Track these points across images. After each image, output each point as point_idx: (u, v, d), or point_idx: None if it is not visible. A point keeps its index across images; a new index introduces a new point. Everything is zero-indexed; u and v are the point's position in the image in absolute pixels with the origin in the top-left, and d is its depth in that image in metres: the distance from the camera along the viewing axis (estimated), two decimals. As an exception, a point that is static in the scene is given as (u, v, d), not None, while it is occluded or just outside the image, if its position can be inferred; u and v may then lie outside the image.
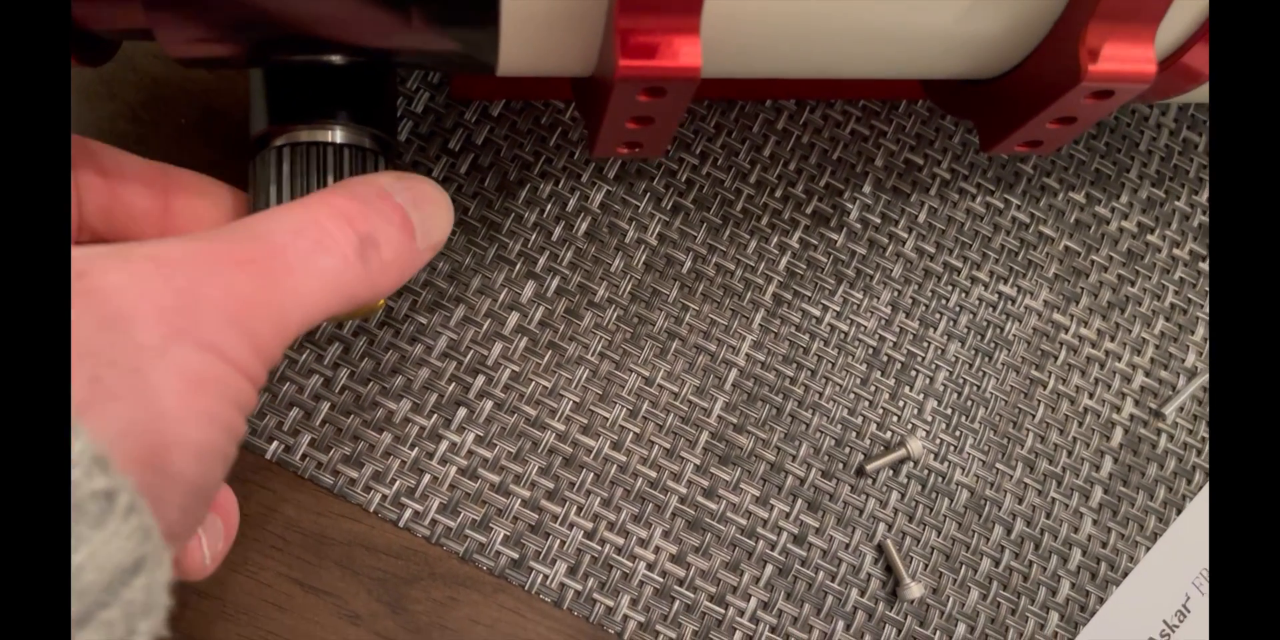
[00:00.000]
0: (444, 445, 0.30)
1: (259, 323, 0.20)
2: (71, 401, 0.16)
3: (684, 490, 0.31)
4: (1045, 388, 0.34)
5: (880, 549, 0.31)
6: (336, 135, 0.25)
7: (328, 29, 0.22)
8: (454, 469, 0.30)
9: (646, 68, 0.21)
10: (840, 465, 0.32)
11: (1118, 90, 0.24)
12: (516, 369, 0.31)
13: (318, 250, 0.21)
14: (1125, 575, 0.33)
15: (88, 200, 0.24)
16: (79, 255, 0.18)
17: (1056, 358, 0.34)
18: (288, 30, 0.22)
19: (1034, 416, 0.33)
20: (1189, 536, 0.33)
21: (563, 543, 0.30)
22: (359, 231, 0.22)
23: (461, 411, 0.30)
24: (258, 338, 0.20)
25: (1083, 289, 0.35)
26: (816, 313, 0.33)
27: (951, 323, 0.33)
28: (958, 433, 0.33)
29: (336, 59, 0.24)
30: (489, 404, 0.30)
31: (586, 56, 0.24)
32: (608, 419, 0.31)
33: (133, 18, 0.22)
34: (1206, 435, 0.34)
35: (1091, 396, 0.34)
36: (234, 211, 0.26)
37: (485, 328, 0.31)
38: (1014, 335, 0.34)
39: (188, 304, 0.19)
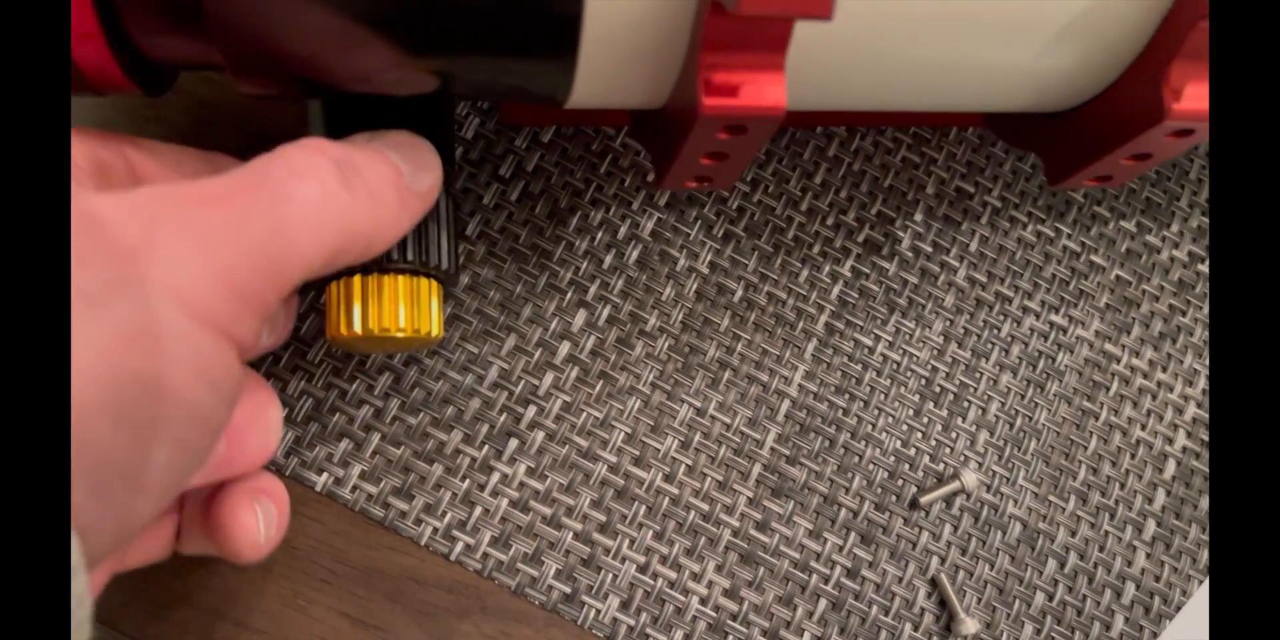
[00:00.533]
0: (495, 477, 0.29)
1: (232, 256, 0.18)
2: None
3: (737, 523, 0.30)
4: (1098, 419, 0.33)
5: (934, 583, 0.31)
6: (397, 166, 0.25)
7: (404, 67, 0.22)
8: (505, 501, 0.29)
9: (730, 107, 0.21)
10: (893, 497, 0.31)
11: (1199, 129, 0.23)
12: (568, 399, 0.30)
13: (292, 179, 0.20)
14: (1178, 609, 0.32)
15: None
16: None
17: (1108, 389, 0.33)
18: (362, 68, 0.22)
19: (1086, 448, 0.33)
20: (1242, 571, 0.33)
21: (615, 577, 0.29)
22: (333, 158, 0.21)
23: (513, 442, 0.30)
24: (234, 276, 0.18)
25: (1134, 319, 0.34)
26: (869, 342, 0.32)
27: (1004, 353, 0.33)
28: (1010, 464, 0.32)
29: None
30: (540, 435, 0.30)
31: (659, 91, 0.23)
32: (659, 450, 0.30)
33: (205, 53, 0.21)
34: (1258, 468, 0.34)
35: (1144, 428, 0.33)
36: None
37: (536, 357, 0.30)
38: (1066, 366, 0.33)
39: (140, 245, 0.17)
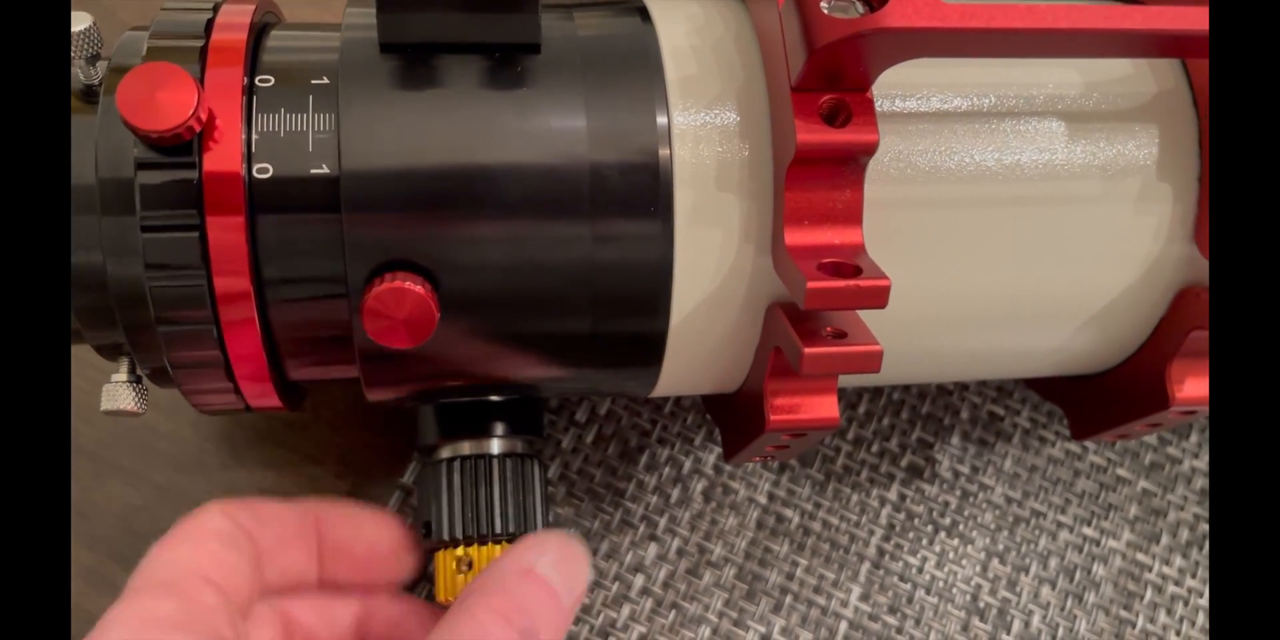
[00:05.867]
0: (582, 708, 0.32)
1: None
2: None
3: (804, 744, 0.33)
4: (1134, 627, 0.36)
5: None
6: (495, 446, 0.29)
7: (512, 387, 0.25)
8: (592, 731, 0.32)
9: (791, 421, 0.24)
10: (948, 713, 0.34)
11: (1201, 410, 0.27)
12: (643, 630, 0.33)
13: None
14: None
15: (268, 566, 0.27)
16: None
17: (1142, 597, 0.36)
18: (475, 390, 0.25)
19: (1126, 656, 0.35)
20: None
21: None
22: (520, 629, 0.24)
23: (596, 673, 0.32)
24: None
25: (1162, 528, 0.37)
26: (916, 563, 0.35)
27: (1042, 566, 0.36)
28: (1055, 675, 0.35)
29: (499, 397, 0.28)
30: (621, 665, 0.33)
31: (729, 384, 0.27)
32: (730, 676, 0.33)
33: (347, 374, 0.25)
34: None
35: (1178, 634, 0.36)
36: (382, 535, 0.29)
37: (614, 591, 0.33)
38: (1101, 577, 0.36)
39: None
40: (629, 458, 0.35)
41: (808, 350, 0.21)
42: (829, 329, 0.22)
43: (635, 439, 0.35)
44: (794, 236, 0.22)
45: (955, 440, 0.37)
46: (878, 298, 0.21)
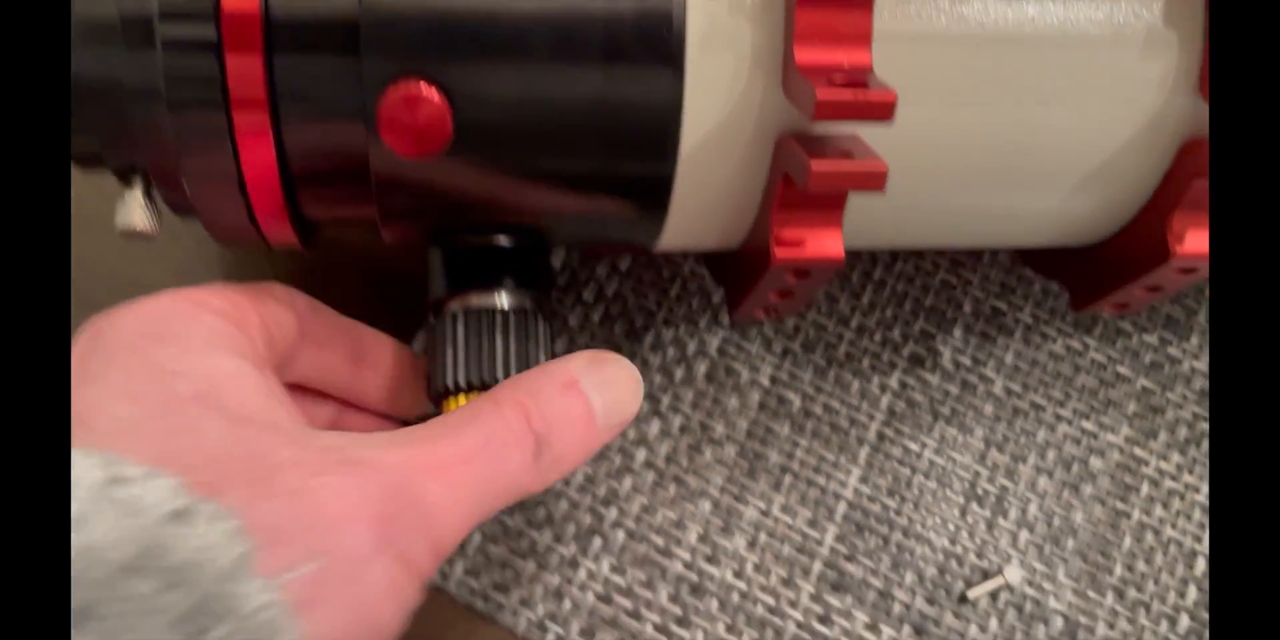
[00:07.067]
0: (582, 572, 0.32)
1: (445, 530, 0.22)
2: (293, 598, 0.19)
3: (800, 617, 0.33)
4: (1130, 519, 0.36)
5: (983, 673, 0.34)
6: (503, 300, 0.29)
7: (519, 223, 0.26)
8: (591, 595, 0.32)
9: (798, 257, 0.25)
10: (943, 592, 0.34)
11: (1201, 267, 0.27)
12: (645, 501, 0.34)
13: (502, 455, 0.23)
14: (1215, 700, 0.34)
15: (304, 353, 0.28)
16: (306, 455, 0.21)
17: (1139, 491, 0.36)
18: (484, 220, 0.26)
19: (1121, 547, 0.36)
20: (1274, 663, 0.35)
21: (690, 665, 0.32)
22: (536, 431, 0.24)
23: (597, 541, 0.33)
24: (440, 545, 0.22)
25: (1160, 425, 0.37)
26: (916, 448, 0.36)
27: (1040, 458, 0.36)
28: (1051, 561, 0.35)
29: (508, 242, 0.28)
30: (621, 534, 0.33)
31: (734, 238, 0.27)
32: (729, 548, 0.33)
33: (366, 216, 0.26)
34: (1285, 564, 0.36)
35: (1174, 527, 0.36)
36: (406, 363, 0.30)
37: (617, 463, 0.34)
38: (1098, 469, 0.36)
39: (394, 513, 0.21)
40: (634, 337, 0.35)
41: (815, 165, 0.22)
42: (836, 150, 0.22)
43: (641, 319, 0.36)
44: (804, 55, 0.22)
45: (958, 333, 0.37)
46: (884, 111, 0.21)
